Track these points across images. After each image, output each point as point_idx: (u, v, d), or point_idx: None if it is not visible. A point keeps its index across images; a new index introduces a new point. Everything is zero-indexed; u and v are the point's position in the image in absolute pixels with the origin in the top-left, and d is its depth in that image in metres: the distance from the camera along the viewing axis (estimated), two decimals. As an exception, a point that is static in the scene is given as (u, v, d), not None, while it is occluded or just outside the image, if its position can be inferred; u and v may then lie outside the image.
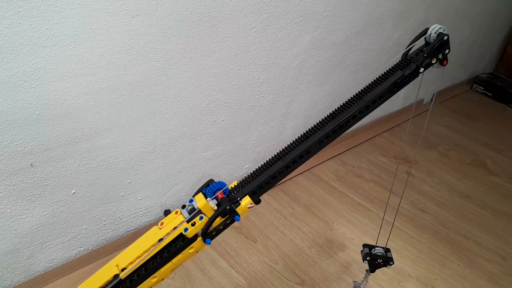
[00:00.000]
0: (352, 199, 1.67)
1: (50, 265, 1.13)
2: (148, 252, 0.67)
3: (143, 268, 0.67)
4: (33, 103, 0.87)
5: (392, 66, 0.75)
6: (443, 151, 2.07)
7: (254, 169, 0.71)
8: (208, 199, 0.67)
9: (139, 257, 0.67)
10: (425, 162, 1.97)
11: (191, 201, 0.68)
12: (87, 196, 1.11)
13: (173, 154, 1.25)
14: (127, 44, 0.95)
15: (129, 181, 1.18)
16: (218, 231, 0.69)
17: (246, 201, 0.68)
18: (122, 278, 0.66)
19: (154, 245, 0.67)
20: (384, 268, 1.35)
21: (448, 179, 1.87)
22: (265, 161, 0.71)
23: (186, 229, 0.65)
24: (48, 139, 0.94)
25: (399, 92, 0.74)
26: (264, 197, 1.58)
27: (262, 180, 0.70)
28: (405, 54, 0.75)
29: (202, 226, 0.66)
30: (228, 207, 0.66)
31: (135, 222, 1.28)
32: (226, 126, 1.35)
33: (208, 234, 0.66)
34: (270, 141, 1.58)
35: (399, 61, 0.75)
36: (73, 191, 1.07)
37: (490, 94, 2.74)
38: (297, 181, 1.71)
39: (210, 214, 0.66)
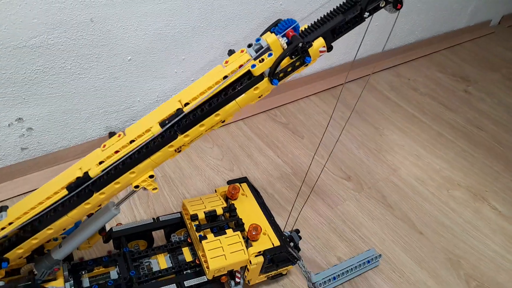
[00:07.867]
0: (405, 109, 1.60)
1: (104, 132, 1.16)
2: (213, 89, 0.65)
3: (207, 104, 0.65)
4: None
5: (334, 8, 0.63)
6: (507, 74, 1.93)
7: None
8: (278, 36, 0.63)
9: (202, 93, 0.65)
10: (486, 83, 1.84)
11: (258, 40, 0.64)
12: (142, 66, 1.10)
13: (228, 36, 1.21)
14: None
15: (183, 57, 1.16)
16: (286, 73, 0.65)
17: (319, 42, 0.63)
18: (185, 112, 0.65)
19: (218, 82, 0.65)
20: (433, 175, 1.32)
21: (509, 101, 1.75)
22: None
23: (253, 66, 0.62)
24: (109, -8, 0.91)
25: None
26: (313, 99, 1.56)
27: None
28: None
29: (270, 63, 0.62)
30: (300, 44, 0.61)
31: (186, 103, 1.28)
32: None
33: (275, 74, 0.63)
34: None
35: (343, 3, 0.63)
36: (129, 57, 1.06)
37: None
38: (349, 88, 1.65)
39: (279, 52, 0.62)
